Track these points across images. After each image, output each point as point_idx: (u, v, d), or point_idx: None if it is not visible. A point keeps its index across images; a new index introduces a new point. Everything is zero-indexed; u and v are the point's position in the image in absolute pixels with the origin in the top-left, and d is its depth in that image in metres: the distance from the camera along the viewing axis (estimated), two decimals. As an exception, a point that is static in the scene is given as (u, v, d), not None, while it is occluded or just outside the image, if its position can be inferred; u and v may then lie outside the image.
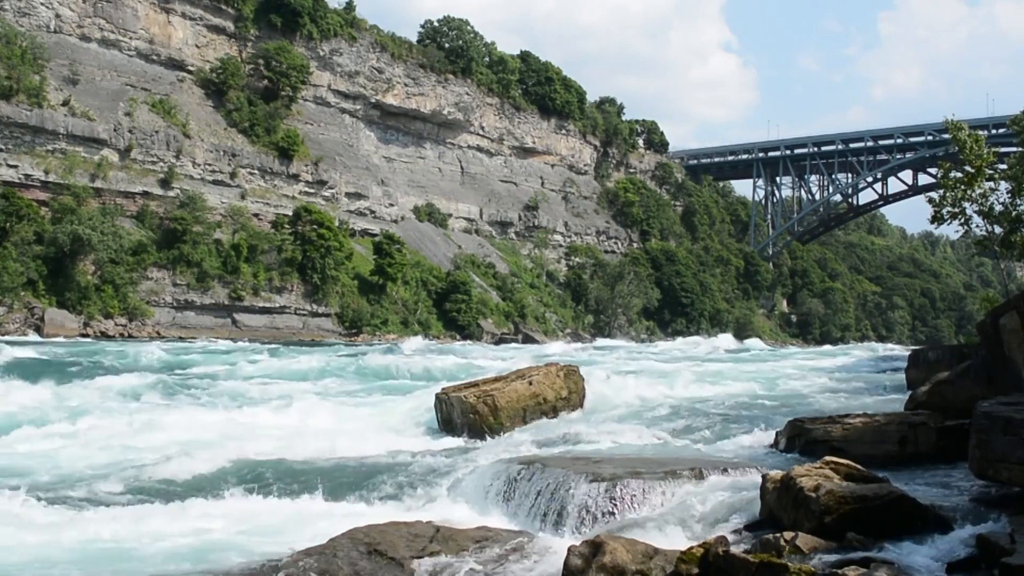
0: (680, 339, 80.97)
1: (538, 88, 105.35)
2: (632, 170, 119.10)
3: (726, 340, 73.38)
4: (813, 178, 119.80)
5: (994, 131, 74.37)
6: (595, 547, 6.79)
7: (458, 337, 74.92)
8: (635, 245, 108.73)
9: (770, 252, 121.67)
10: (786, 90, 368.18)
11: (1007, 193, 25.04)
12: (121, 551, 8.79)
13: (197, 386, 23.00)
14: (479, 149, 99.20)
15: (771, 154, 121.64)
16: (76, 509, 10.42)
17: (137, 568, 8.28)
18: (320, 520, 9.75)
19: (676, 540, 7.88)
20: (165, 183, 64.73)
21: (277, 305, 66.67)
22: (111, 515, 10.12)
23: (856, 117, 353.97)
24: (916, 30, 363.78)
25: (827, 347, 78.78)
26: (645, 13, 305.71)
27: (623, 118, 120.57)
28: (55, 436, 15.15)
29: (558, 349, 52.38)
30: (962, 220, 25.20)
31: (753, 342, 77.03)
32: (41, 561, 8.38)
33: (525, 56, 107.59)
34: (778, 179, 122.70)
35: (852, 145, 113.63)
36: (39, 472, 12.42)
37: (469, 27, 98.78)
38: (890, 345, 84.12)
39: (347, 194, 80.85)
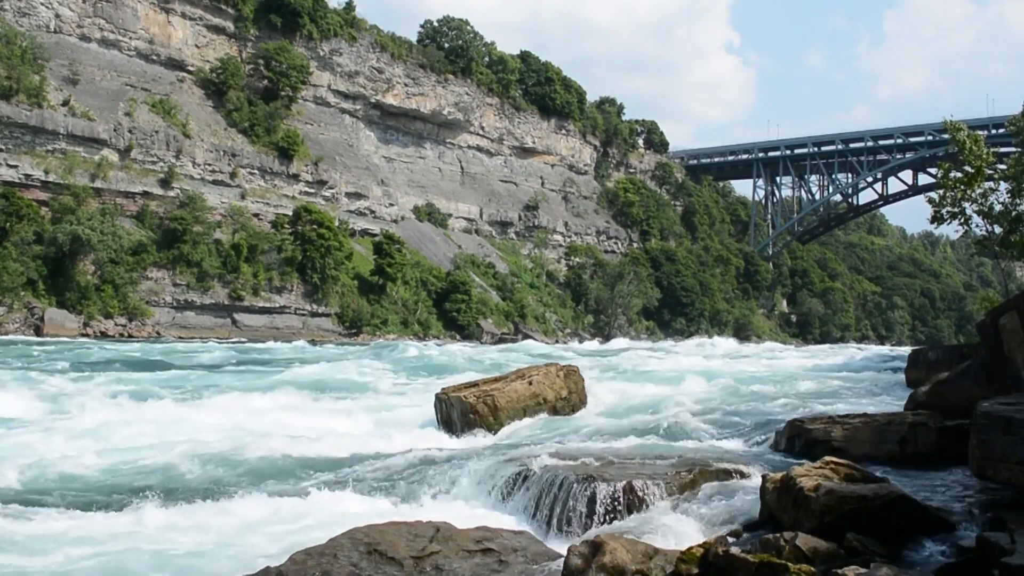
0: (695, 340, 76.62)
1: (538, 88, 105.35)
2: (632, 170, 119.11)
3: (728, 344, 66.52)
4: (813, 178, 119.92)
5: (994, 131, 74.34)
6: (595, 547, 6.78)
7: (458, 337, 74.89)
8: (635, 245, 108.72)
9: (770, 252, 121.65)
10: (789, 90, 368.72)
11: (1007, 193, 25.07)
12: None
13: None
14: (479, 149, 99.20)
15: (771, 154, 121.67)
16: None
17: (139, 568, 8.28)
18: (320, 520, 9.74)
19: (676, 540, 7.88)
20: (165, 183, 64.72)
21: (277, 305, 66.67)
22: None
23: (860, 117, 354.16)
24: (922, 29, 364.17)
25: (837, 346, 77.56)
26: (652, 13, 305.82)
27: (623, 118, 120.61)
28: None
29: (546, 351, 47.21)
30: (962, 220, 25.20)
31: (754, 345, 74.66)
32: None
33: (525, 56, 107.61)
34: (778, 179, 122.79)
35: (852, 145, 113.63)
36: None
37: (469, 27, 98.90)
38: (882, 346, 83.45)
39: (347, 194, 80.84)
